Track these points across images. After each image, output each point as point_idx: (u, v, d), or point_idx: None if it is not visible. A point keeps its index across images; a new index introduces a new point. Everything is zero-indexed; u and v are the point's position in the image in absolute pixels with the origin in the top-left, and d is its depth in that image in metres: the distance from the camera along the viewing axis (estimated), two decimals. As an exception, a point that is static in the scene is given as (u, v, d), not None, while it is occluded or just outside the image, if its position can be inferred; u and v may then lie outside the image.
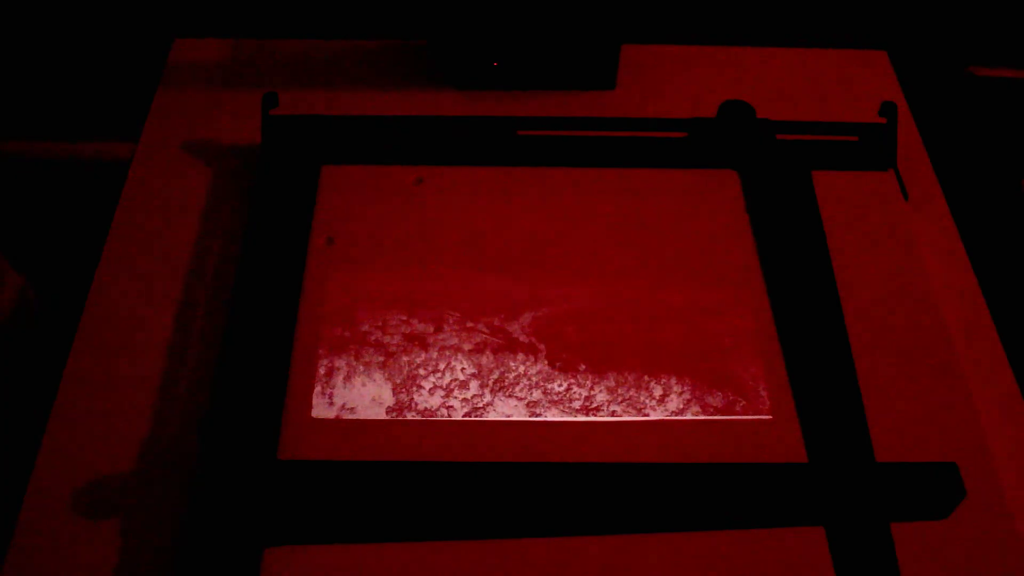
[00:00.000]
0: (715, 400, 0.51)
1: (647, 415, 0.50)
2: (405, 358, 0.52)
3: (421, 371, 0.51)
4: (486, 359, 0.52)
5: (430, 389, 0.51)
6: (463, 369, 0.52)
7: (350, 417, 0.49)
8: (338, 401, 0.50)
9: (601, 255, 0.57)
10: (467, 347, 0.53)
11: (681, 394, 0.51)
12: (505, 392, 0.51)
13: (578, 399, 0.51)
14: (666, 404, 0.51)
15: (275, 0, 0.76)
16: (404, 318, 0.54)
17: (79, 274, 0.56)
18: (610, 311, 0.55)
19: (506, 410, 0.50)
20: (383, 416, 0.50)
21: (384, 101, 0.66)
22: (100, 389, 0.51)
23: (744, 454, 0.49)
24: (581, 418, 0.50)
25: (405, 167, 0.61)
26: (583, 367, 0.52)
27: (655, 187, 0.61)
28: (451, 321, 0.54)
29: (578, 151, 0.62)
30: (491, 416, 0.50)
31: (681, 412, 0.51)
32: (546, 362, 0.52)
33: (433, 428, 0.49)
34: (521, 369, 0.52)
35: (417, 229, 0.58)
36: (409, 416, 0.50)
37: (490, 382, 0.51)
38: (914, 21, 0.81)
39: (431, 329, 0.53)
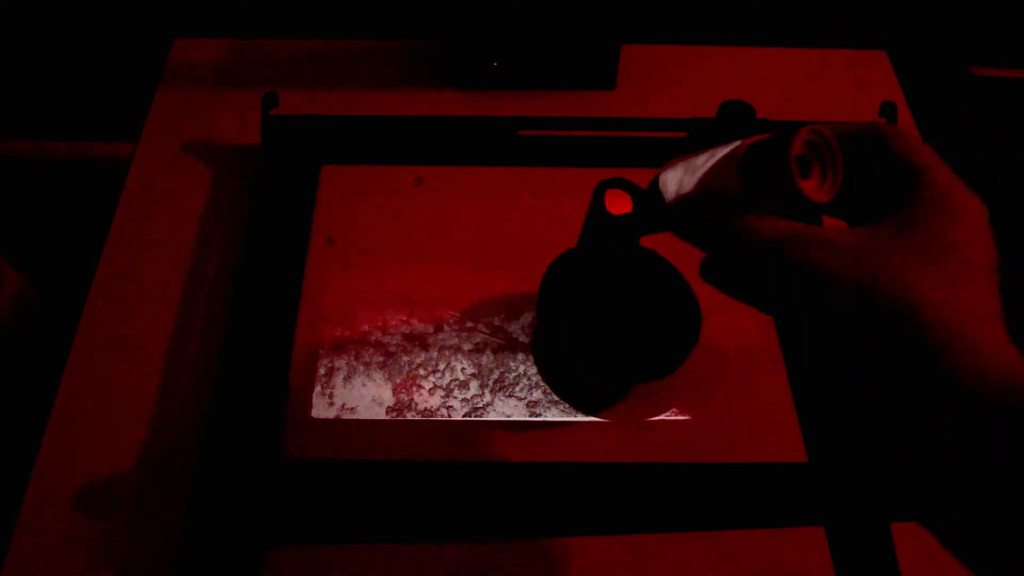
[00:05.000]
0: (715, 400, 0.51)
1: (647, 415, 0.50)
2: (405, 358, 0.52)
3: (421, 371, 0.51)
4: (486, 359, 0.52)
5: (430, 389, 0.51)
6: (463, 369, 0.52)
7: (350, 417, 0.49)
8: (338, 401, 0.50)
9: (601, 255, 0.57)
10: (467, 347, 0.53)
11: (681, 394, 0.51)
12: (505, 392, 0.51)
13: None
14: (665, 404, 0.51)
15: (275, 0, 0.76)
16: (404, 318, 0.54)
17: (79, 274, 0.56)
18: (610, 311, 0.55)
19: (506, 410, 0.50)
20: (383, 416, 0.50)
21: (384, 101, 0.66)
22: (100, 389, 0.51)
23: (745, 454, 0.49)
24: (581, 418, 0.50)
25: (405, 167, 0.61)
26: (583, 367, 0.52)
27: (655, 187, 0.61)
28: (451, 321, 0.54)
29: (578, 151, 0.62)
30: (491, 416, 0.50)
31: (681, 412, 0.51)
32: (546, 362, 0.52)
33: (433, 428, 0.49)
34: (521, 369, 0.52)
35: (417, 229, 0.58)
36: (409, 416, 0.50)
37: (490, 382, 0.51)
38: (914, 21, 0.81)
39: (431, 329, 0.53)
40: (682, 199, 0.32)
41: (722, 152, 0.31)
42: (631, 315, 0.51)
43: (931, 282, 0.26)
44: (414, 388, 0.51)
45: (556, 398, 0.51)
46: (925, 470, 0.26)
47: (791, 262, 0.28)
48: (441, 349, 0.52)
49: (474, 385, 0.51)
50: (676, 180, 0.33)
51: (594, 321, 0.51)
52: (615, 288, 0.52)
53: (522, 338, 0.53)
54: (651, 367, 0.49)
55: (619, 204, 0.42)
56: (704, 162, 0.32)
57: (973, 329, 0.25)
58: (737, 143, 0.30)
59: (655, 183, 0.35)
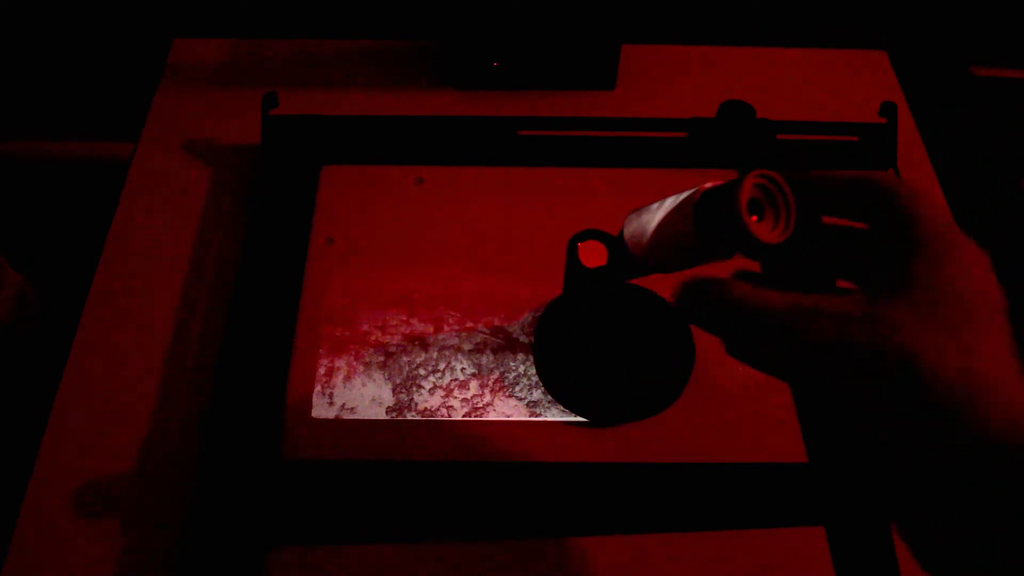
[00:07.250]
0: (715, 400, 0.51)
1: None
2: (405, 358, 0.52)
3: (421, 371, 0.51)
4: (486, 359, 0.52)
5: (430, 389, 0.51)
6: (463, 369, 0.52)
7: (350, 417, 0.49)
8: (338, 401, 0.50)
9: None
10: (467, 347, 0.53)
11: (681, 394, 0.51)
12: (505, 392, 0.51)
13: (578, 399, 0.51)
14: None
15: (275, 0, 0.76)
16: (404, 318, 0.54)
17: (79, 274, 0.56)
18: (610, 311, 0.55)
19: (506, 410, 0.50)
20: (383, 416, 0.50)
21: (384, 101, 0.66)
22: (100, 389, 0.51)
23: (745, 454, 0.49)
24: (581, 418, 0.50)
25: (405, 167, 0.61)
26: (583, 367, 0.52)
27: (655, 187, 0.60)
28: (451, 321, 0.54)
29: (578, 151, 0.62)
30: (491, 416, 0.50)
31: (681, 412, 0.51)
32: (546, 362, 0.52)
33: (433, 428, 0.49)
34: (521, 369, 0.52)
35: (417, 229, 0.58)
36: (409, 416, 0.50)
37: (490, 382, 0.51)
38: (914, 21, 0.81)
39: (431, 329, 0.53)
40: (643, 247, 0.33)
41: (678, 200, 0.31)
42: (619, 359, 0.52)
43: (941, 342, 0.25)
44: (414, 388, 0.51)
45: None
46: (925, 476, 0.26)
47: (798, 335, 0.26)
48: (441, 349, 0.52)
49: (474, 385, 0.51)
50: (635, 230, 0.34)
51: (582, 367, 0.51)
52: (601, 336, 0.52)
53: (522, 338, 0.53)
54: (642, 409, 0.50)
55: (594, 256, 0.42)
56: (659, 211, 0.32)
57: (993, 385, 0.24)
58: (691, 191, 0.31)
59: (622, 234, 0.35)
